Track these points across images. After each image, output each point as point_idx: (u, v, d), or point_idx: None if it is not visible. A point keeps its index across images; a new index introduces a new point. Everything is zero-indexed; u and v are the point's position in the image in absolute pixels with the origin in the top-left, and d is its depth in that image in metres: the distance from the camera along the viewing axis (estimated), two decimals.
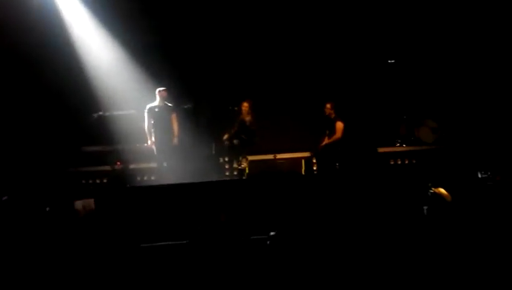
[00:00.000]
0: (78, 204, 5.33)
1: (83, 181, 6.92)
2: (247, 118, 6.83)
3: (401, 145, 7.49)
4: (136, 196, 5.63)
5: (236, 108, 6.93)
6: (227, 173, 7.10)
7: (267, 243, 3.90)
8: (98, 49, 7.54)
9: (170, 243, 4.95)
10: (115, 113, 7.37)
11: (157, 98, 6.55)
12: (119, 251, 4.89)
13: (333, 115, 6.68)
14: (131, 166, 6.94)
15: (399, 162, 7.11)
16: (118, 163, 6.81)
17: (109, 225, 5.12)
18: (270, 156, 7.09)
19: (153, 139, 6.53)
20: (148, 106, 6.57)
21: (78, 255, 4.63)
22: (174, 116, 6.57)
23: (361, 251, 4.03)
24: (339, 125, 6.61)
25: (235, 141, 6.75)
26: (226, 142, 6.80)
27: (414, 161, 7.06)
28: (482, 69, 7.38)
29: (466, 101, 7.42)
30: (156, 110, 6.53)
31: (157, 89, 6.59)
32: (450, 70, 7.62)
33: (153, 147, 6.55)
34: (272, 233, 3.94)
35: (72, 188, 6.12)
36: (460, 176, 5.46)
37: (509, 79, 7.20)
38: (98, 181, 6.90)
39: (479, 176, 5.45)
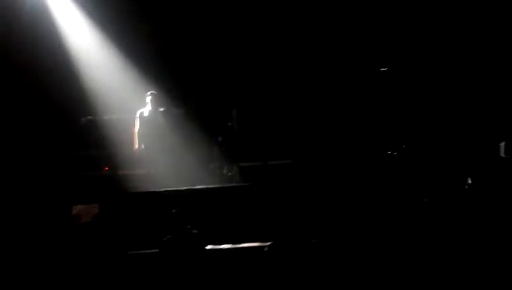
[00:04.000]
0: (78, 209, 5.24)
1: (79, 186, 6.75)
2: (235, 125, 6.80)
3: (392, 154, 7.46)
4: (139, 201, 5.56)
5: (230, 124, 6.88)
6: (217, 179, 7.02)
7: (264, 251, 3.85)
8: (89, 51, 7.46)
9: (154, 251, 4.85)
10: (104, 117, 7.27)
11: (147, 103, 6.47)
12: (109, 258, 4.82)
13: None
14: (120, 172, 6.83)
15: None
16: (106, 168, 6.70)
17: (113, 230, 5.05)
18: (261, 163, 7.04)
19: (142, 145, 6.42)
20: (139, 111, 6.48)
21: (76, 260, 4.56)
22: (164, 120, 6.48)
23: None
24: None
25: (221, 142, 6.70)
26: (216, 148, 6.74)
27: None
28: (476, 74, 7.43)
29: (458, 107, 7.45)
30: (146, 115, 6.45)
31: (147, 93, 6.50)
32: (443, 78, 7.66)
33: (140, 152, 6.43)
34: (268, 243, 3.89)
35: (68, 193, 5.99)
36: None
37: (502, 85, 7.27)
38: (93, 186, 6.73)
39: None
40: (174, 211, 4.19)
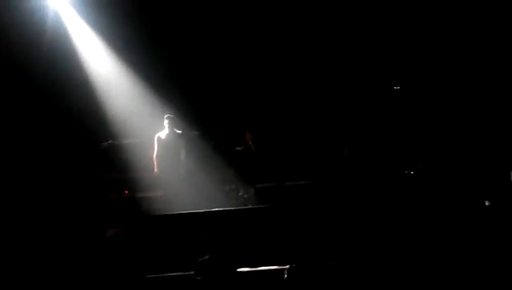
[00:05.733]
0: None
1: (101, 209, 6.83)
2: (251, 146, 6.86)
3: (408, 173, 7.42)
4: (150, 224, 5.62)
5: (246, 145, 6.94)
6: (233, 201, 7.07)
7: (284, 276, 3.84)
8: (108, 76, 7.68)
9: (177, 274, 4.90)
10: (124, 141, 7.43)
11: (165, 126, 6.61)
12: (125, 281, 4.87)
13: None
14: (139, 195, 6.94)
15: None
16: (126, 191, 6.81)
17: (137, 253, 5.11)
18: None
19: (161, 167, 6.53)
20: (157, 135, 6.62)
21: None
22: (181, 144, 6.59)
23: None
24: None
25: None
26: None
27: None
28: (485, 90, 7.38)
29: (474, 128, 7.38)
30: (163, 138, 6.58)
31: (165, 116, 6.65)
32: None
33: (158, 175, 6.54)
34: (288, 266, 3.88)
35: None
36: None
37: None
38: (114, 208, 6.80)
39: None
40: (206, 234, 4.21)
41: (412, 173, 7.48)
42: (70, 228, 5.62)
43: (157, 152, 6.58)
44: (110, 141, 7.26)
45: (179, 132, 6.68)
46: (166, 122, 6.59)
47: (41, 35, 7.24)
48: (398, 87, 7.84)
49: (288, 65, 7.90)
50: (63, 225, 5.74)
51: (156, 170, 6.59)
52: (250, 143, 6.96)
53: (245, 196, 6.82)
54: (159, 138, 6.58)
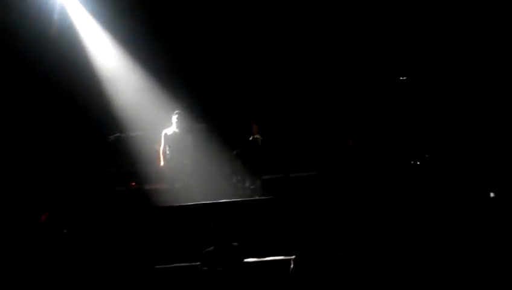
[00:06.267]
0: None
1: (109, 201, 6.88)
2: (258, 138, 6.89)
3: (415, 163, 7.39)
4: (158, 216, 5.68)
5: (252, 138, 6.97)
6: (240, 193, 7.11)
7: (290, 266, 3.87)
8: (115, 70, 7.72)
9: (184, 264, 4.96)
10: (131, 134, 7.49)
11: (173, 122, 6.65)
12: (134, 272, 4.94)
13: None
14: (146, 187, 7.00)
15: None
16: (132, 183, 6.88)
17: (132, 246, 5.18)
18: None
19: (166, 160, 6.57)
20: (164, 131, 6.65)
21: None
22: (189, 139, 6.63)
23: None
24: None
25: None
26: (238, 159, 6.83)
27: None
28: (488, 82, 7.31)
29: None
30: (171, 133, 6.62)
31: (174, 112, 6.67)
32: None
33: (165, 168, 6.59)
34: (294, 256, 3.90)
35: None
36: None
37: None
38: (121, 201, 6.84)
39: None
40: (212, 225, 4.26)
41: (419, 163, 7.46)
42: (79, 220, 5.70)
43: (163, 147, 6.62)
44: (117, 134, 7.34)
45: (186, 126, 6.71)
46: (175, 117, 6.62)
47: (48, 30, 7.29)
48: (405, 78, 7.78)
49: (294, 57, 7.88)
50: (70, 218, 5.82)
51: (162, 164, 6.63)
52: (257, 136, 6.97)
53: (252, 187, 6.85)
54: (166, 134, 6.62)
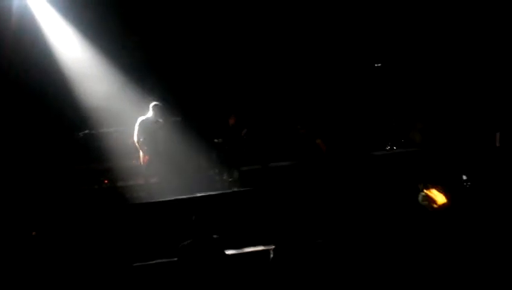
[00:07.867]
0: None
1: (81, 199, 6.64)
2: (239, 129, 6.80)
3: (391, 148, 7.47)
4: (134, 213, 5.53)
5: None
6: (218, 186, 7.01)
7: (270, 256, 3.83)
8: (84, 66, 7.44)
9: (162, 261, 4.85)
10: (101, 131, 7.25)
11: (150, 113, 6.39)
12: (112, 270, 4.81)
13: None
14: (119, 184, 6.80)
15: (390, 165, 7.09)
16: (105, 181, 6.68)
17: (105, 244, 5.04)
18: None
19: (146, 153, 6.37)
20: (140, 119, 6.32)
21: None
22: (165, 130, 6.44)
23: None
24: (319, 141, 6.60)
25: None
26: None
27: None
28: (470, 70, 7.44)
29: (453, 102, 7.45)
30: (146, 124, 6.37)
31: (152, 104, 6.41)
32: (437, 72, 7.66)
33: (145, 162, 6.37)
34: (273, 246, 3.86)
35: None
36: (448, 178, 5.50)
37: (495, 80, 7.27)
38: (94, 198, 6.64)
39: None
40: (193, 217, 4.15)
41: (395, 148, 7.54)
42: (52, 219, 5.50)
43: (137, 139, 6.34)
44: (86, 131, 7.09)
45: (161, 119, 6.49)
46: (151, 109, 6.36)
47: (7, 24, 6.92)
48: (380, 64, 7.84)
49: (272, 43, 7.78)
50: (44, 217, 5.60)
51: (142, 155, 6.34)
52: (244, 131, 6.87)
53: (230, 179, 6.76)
54: (141, 124, 6.28)
